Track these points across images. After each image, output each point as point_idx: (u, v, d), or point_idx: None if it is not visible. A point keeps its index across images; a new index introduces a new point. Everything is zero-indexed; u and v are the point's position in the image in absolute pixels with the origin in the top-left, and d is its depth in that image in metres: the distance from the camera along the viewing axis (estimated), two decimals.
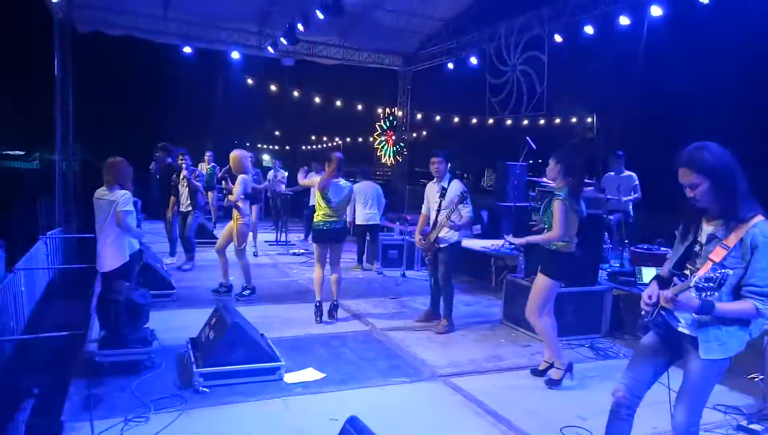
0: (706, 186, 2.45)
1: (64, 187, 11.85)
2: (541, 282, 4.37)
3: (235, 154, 6.64)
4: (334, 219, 5.79)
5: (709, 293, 2.32)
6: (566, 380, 4.40)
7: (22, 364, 5.70)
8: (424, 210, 5.87)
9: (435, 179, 5.71)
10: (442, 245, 5.59)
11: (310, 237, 9.01)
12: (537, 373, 4.55)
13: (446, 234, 5.56)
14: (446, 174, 5.65)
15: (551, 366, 4.47)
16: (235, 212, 6.56)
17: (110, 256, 4.73)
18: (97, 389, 3.90)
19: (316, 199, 5.99)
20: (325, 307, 5.90)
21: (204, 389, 3.97)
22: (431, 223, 5.68)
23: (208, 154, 11.67)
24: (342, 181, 5.85)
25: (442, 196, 5.52)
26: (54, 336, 5.62)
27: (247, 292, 6.72)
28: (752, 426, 3.72)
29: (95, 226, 4.82)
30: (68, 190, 11.95)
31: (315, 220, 5.89)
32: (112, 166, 4.79)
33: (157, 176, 9.05)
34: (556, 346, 4.43)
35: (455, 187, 5.49)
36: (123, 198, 4.67)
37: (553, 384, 4.38)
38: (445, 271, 5.65)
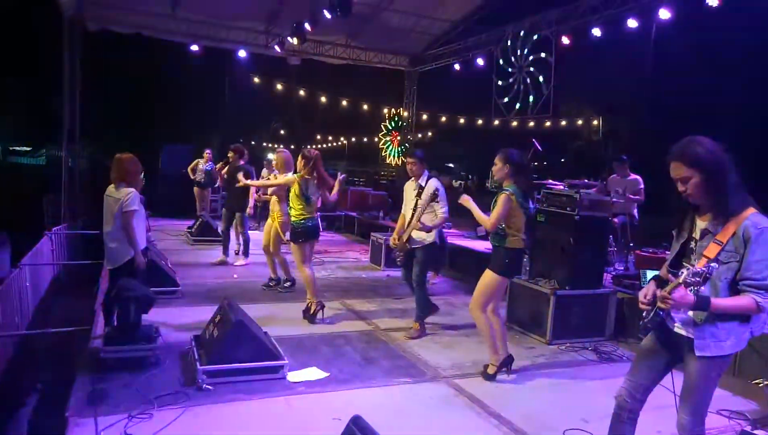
0: (697, 180, 2.42)
1: (71, 183, 11.91)
2: (488, 277, 4.40)
3: (279, 155, 6.98)
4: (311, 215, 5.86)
5: (695, 288, 2.29)
6: (502, 374, 4.50)
7: (27, 359, 5.72)
8: (403, 210, 5.70)
9: (412, 178, 5.63)
10: (414, 247, 5.40)
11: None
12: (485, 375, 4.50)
13: (419, 235, 5.36)
14: (424, 172, 5.55)
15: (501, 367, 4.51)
16: (275, 211, 6.88)
17: (116, 253, 4.73)
18: (101, 385, 3.91)
19: (290, 197, 5.89)
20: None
21: (207, 387, 3.97)
22: (407, 222, 5.50)
23: (207, 151, 11.75)
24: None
25: (419, 195, 5.41)
26: (59, 332, 5.65)
27: (288, 283, 7.14)
28: (756, 432, 3.70)
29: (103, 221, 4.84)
30: (74, 187, 12.01)
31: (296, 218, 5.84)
32: (118, 163, 4.76)
33: (225, 177, 8.76)
34: (494, 344, 4.47)
35: (432, 185, 5.36)
36: (128, 198, 4.63)
37: (488, 377, 4.46)
38: (418, 273, 5.43)
